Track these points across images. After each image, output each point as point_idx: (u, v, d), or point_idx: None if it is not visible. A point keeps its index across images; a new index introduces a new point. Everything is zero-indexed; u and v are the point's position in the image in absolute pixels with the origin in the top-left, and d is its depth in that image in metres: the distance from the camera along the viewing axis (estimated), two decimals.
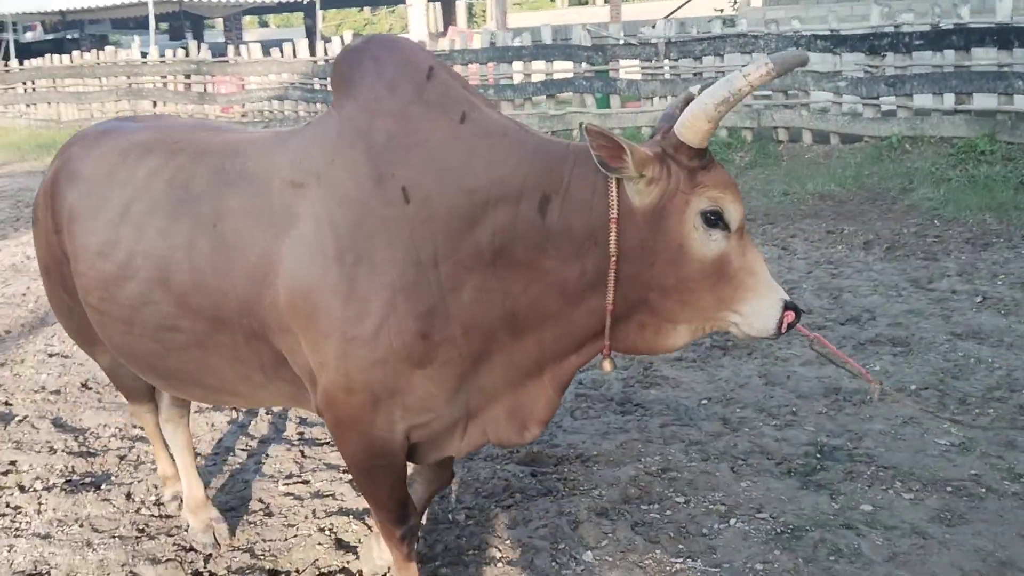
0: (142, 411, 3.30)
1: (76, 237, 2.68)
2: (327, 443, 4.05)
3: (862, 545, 3.11)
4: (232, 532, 3.27)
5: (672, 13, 14.31)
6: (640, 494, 3.51)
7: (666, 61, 12.56)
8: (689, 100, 2.24)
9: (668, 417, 4.23)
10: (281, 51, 16.30)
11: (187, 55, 17.68)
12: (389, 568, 2.82)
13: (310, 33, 27.15)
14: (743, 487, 3.55)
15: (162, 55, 17.84)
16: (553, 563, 3.05)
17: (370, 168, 2.26)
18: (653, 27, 12.96)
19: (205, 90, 17.30)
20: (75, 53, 19.38)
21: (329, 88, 15.02)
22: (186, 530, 3.26)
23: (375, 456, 2.43)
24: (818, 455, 3.79)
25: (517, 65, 13.71)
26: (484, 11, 43.49)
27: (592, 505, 3.42)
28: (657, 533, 3.23)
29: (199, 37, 28.39)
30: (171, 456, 3.38)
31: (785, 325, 2.20)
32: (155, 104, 17.61)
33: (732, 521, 3.30)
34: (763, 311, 2.19)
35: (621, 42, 12.74)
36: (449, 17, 31.82)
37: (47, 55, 19.83)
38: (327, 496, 3.57)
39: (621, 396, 4.51)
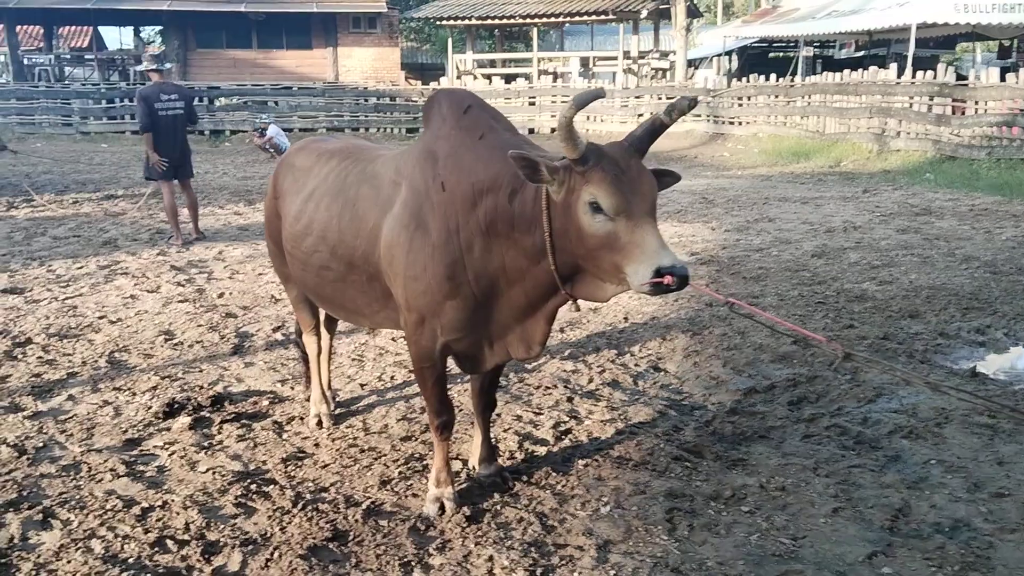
0: (310, 339, 4.74)
1: (285, 206, 4.24)
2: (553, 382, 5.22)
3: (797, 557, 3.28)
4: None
5: None
6: (715, 489, 3.94)
7: None
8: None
9: (855, 443, 4.37)
10: (1016, 76, 15.65)
11: (935, 76, 17.99)
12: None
13: None
14: (813, 507, 3.74)
15: (912, 75, 18.41)
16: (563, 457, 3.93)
17: (431, 171, 3.55)
18: None
19: (944, 112, 17.39)
20: (845, 71, 20.97)
21: None
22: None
23: (422, 360, 3.70)
24: (938, 526, 3.63)
25: None
26: None
27: (662, 465, 4.10)
28: (675, 503, 3.78)
29: None
30: (320, 382, 4.76)
31: (652, 284, 2.90)
32: (898, 122, 18.28)
33: (747, 516, 3.66)
34: (639, 273, 2.94)
35: None
36: None
37: (823, 72, 21.85)
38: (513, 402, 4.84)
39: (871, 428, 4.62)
